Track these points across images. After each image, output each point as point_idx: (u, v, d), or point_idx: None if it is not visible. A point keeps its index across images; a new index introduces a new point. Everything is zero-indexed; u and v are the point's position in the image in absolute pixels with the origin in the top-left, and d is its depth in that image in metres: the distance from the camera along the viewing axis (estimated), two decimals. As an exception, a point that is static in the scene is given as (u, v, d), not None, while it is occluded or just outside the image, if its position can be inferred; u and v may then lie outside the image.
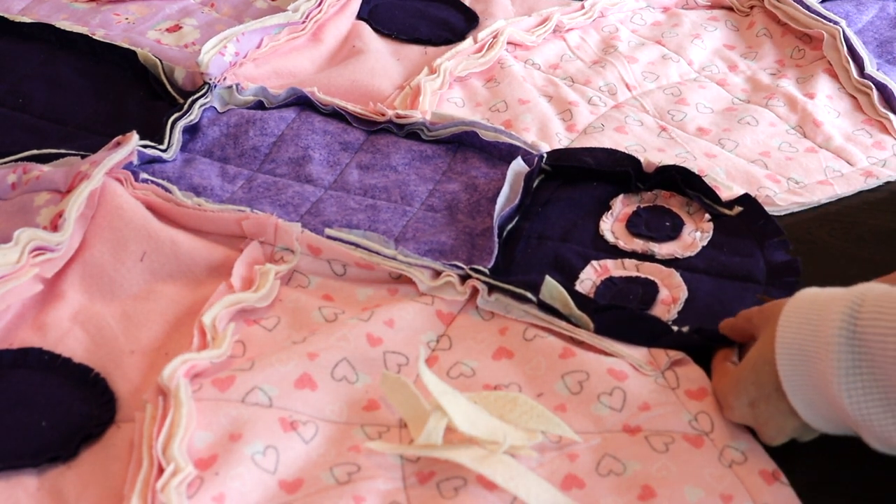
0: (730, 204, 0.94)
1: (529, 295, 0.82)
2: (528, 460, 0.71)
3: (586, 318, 0.81)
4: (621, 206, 0.95)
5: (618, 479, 0.70)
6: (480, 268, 0.84)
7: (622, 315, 0.81)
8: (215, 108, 1.06)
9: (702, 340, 0.79)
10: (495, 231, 0.90)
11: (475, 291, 0.84)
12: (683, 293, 0.86)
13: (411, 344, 0.80)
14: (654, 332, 0.80)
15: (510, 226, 0.93)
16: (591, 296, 0.86)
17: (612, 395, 0.76)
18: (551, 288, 0.82)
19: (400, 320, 0.81)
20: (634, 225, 0.93)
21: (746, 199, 0.94)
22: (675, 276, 0.87)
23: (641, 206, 0.95)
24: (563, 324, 0.81)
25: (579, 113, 1.09)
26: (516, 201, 0.93)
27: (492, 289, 0.84)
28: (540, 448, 0.72)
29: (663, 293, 0.86)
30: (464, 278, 0.84)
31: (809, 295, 0.67)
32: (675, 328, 0.80)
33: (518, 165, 0.96)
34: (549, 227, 0.93)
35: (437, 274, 0.85)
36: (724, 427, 0.73)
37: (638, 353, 0.79)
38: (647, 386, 0.77)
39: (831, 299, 0.65)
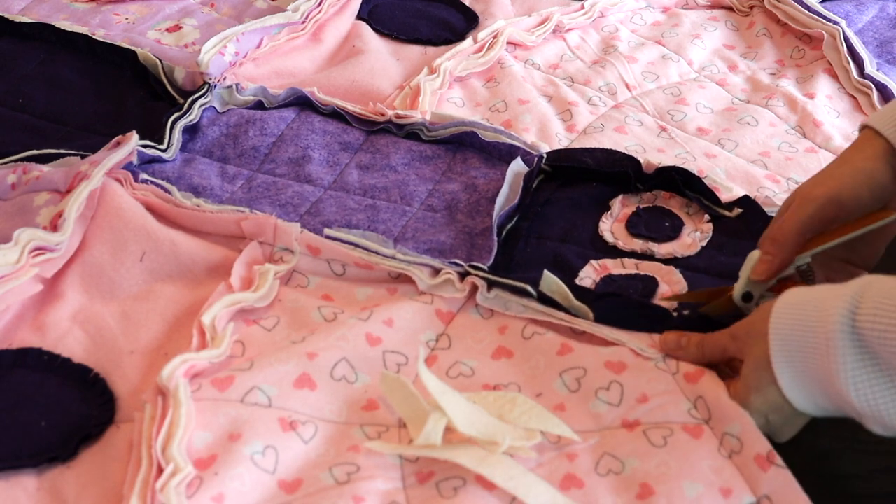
0: (729, 205, 0.94)
1: (529, 288, 0.82)
2: (528, 460, 0.71)
3: (586, 308, 0.80)
4: (621, 207, 0.95)
5: (616, 479, 0.70)
6: (479, 264, 0.84)
7: (622, 302, 0.81)
8: (215, 108, 1.06)
9: (704, 324, 0.79)
10: (494, 230, 0.90)
11: (474, 289, 0.84)
12: (683, 288, 0.86)
13: (410, 343, 0.80)
14: (654, 317, 0.80)
15: (509, 225, 0.93)
16: (591, 291, 0.86)
17: (609, 389, 0.76)
18: (550, 282, 0.82)
19: (399, 320, 0.81)
20: (634, 225, 0.93)
21: (746, 201, 0.94)
22: (675, 273, 0.87)
23: (641, 206, 0.95)
24: (563, 315, 0.81)
25: (579, 113, 1.09)
26: (515, 201, 0.93)
27: (491, 285, 0.84)
28: (539, 448, 0.72)
29: (663, 288, 0.86)
30: (463, 276, 0.84)
31: (798, 294, 0.68)
32: (675, 313, 0.80)
33: (517, 166, 0.96)
34: (548, 227, 0.93)
35: (437, 272, 0.85)
36: (721, 411, 0.73)
37: (639, 338, 0.79)
38: (644, 376, 0.76)
39: (827, 296, 0.66)
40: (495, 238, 0.89)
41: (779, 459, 0.69)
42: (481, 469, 0.68)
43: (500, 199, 0.92)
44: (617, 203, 0.95)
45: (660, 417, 0.73)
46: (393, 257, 0.86)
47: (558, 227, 0.93)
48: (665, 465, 0.70)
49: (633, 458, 0.71)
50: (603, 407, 0.75)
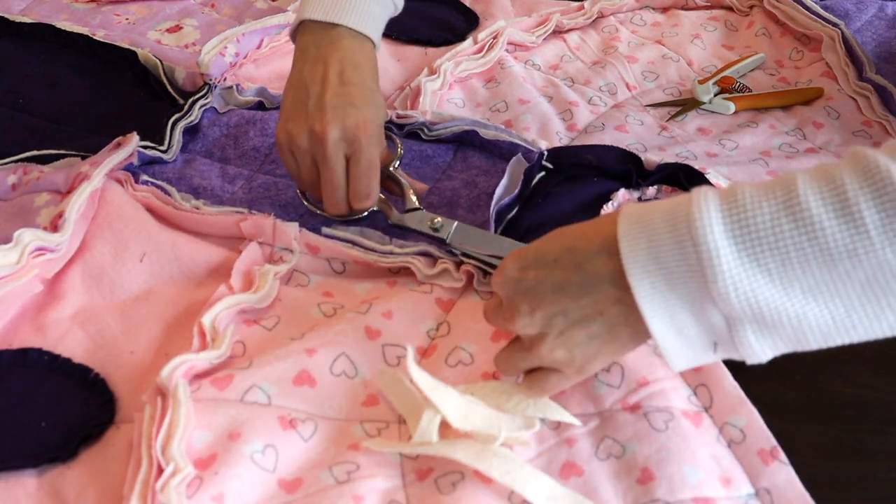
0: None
1: None
2: (527, 450, 0.71)
3: None
4: (622, 200, 0.95)
5: (617, 463, 0.70)
6: (473, 251, 0.84)
7: None
8: (215, 109, 1.06)
9: None
10: (492, 218, 0.90)
11: (472, 276, 0.84)
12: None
13: (410, 334, 0.80)
14: None
15: (510, 215, 0.93)
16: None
17: (609, 371, 0.75)
18: None
19: (398, 311, 0.81)
20: (634, 221, 0.93)
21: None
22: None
23: (643, 199, 0.95)
24: None
25: (579, 113, 1.09)
26: (515, 191, 0.93)
27: (486, 273, 0.84)
28: (538, 435, 0.72)
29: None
30: (459, 265, 0.85)
31: (636, 209, 0.63)
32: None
33: (518, 159, 0.96)
34: (548, 217, 0.93)
35: (434, 262, 0.85)
36: (723, 401, 0.73)
37: None
38: (646, 360, 0.76)
39: (674, 203, 0.61)
40: (493, 225, 0.89)
41: (782, 455, 0.69)
42: (478, 464, 0.68)
43: (499, 189, 0.92)
44: (618, 196, 0.95)
45: (660, 402, 0.73)
46: (390, 252, 0.86)
47: (558, 218, 0.93)
48: (666, 450, 0.70)
49: (634, 442, 0.71)
50: (603, 388, 0.75)
